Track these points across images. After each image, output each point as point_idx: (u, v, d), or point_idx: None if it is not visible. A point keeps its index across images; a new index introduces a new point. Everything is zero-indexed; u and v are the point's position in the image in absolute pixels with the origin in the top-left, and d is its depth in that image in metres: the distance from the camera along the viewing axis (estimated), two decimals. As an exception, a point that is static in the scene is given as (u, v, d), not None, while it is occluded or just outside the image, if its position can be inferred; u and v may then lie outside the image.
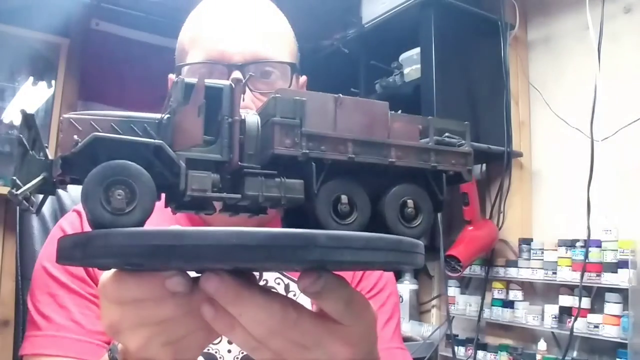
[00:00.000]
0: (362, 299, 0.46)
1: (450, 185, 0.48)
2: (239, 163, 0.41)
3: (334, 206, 0.43)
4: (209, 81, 0.42)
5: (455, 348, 1.91)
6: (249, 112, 0.44)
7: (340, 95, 0.44)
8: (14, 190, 0.37)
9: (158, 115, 0.40)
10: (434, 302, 2.21)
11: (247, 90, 0.75)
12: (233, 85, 0.42)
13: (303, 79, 0.90)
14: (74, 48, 2.73)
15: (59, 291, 0.73)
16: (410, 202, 0.46)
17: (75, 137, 0.37)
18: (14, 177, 0.38)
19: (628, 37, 1.72)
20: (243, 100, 0.45)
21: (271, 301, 0.41)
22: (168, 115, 0.40)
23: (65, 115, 0.39)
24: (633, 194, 1.66)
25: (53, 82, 2.69)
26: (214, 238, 0.34)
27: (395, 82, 2.01)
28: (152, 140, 0.38)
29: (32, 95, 2.69)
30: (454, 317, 1.97)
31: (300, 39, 0.88)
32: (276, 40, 0.80)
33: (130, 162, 0.37)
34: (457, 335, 1.99)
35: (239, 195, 0.40)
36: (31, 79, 2.68)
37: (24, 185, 0.37)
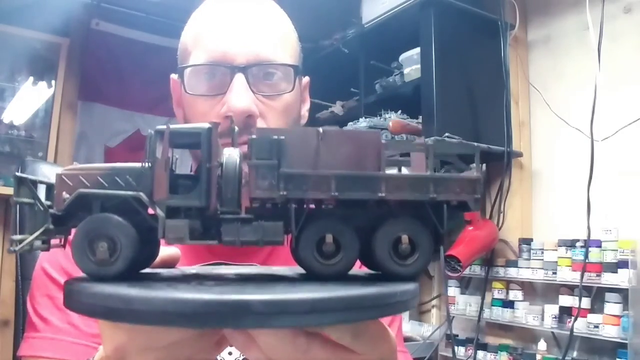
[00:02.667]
0: (375, 328, 0.44)
1: (454, 214, 0.44)
2: (218, 208, 0.41)
3: (318, 246, 0.42)
4: (186, 126, 0.42)
5: (455, 348, 1.91)
6: (231, 152, 0.42)
7: (323, 128, 0.42)
8: (12, 248, 0.40)
9: (139, 165, 0.41)
10: (434, 302, 2.21)
11: (250, 92, 0.75)
12: (211, 128, 0.41)
13: (306, 79, 0.90)
14: (74, 48, 2.74)
15: (57, 293, 0.73)
16: (404, 238, 0.42)
17: (65, 193, 0.41)
18: (12, 236, 0.40)
19: (628, 37, 1.72)
20: (234, 140, 0.45)
21: (282, 329, 0.40)
22: (148, 165, 0.41)
23: (58, 172, 0.42)
24: (633, 194, 1.66)
25: (53, 82, 2.69)
26: (155, 305, 0.35)
27: (395, 82, 2.01)
28: (130, 193, 0.40)
29: (32, 95, 2.69)
30: (454, 317, 1.97)
31: (300, 39, 0.88)
32: (279, 41, 0.79)
33: (111, 215, 0.40)
34: (457, 335, 1.99)
35: (215, 241, 0.41)
36: (31, 79, 2.68)
37: (26, 235, 0.41)
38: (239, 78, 0.74)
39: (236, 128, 0.56)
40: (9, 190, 2.25)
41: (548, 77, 1.96)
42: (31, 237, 0.40)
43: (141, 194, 0.40)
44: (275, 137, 0.41)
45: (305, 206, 0.42)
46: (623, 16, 1.74)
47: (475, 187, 0.44)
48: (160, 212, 0.40)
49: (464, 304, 1.97)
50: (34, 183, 0.41)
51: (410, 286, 0.41)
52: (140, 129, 2.94)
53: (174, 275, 0.47)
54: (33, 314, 0.74)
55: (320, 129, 0.41)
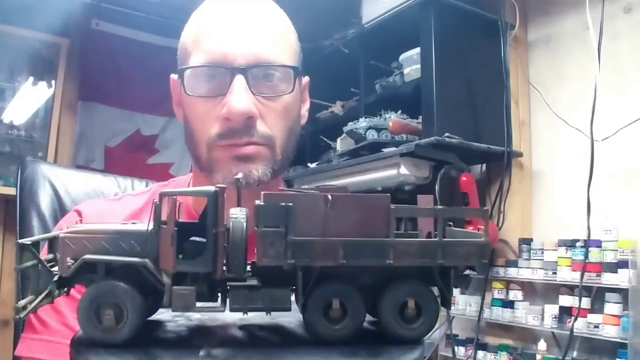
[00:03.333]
0: None
1: (460, 275, 0.45)
2: (225, 274, 0.41)
3: (325, 311, 0.42)
4: (193, 189, 0.43)
5: (455, 348, 1.91)
6: (238, 215, 0.42)
7: (332, 194, 0.41)
8: (17, 315, 0.40)
9: (144, 228, 0.41)
10: (434, 302, 2.21)
11: (250, 93, 0.75)
12: (217, 192, 0.41)
13: (305, 79, 0.90)
14: (74, 48, 2.74)
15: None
16: (411, 302, 0.43)
17: (69, 259, 0.41)
18: (16, 304, 0.40)
19: (628, 37, 1.72)
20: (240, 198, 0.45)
21: None
22: (153, 229, 0.41)
23: (61, 235, 0.41)
24: (633, 194, 1.66)
25: (53, 82, 2.70)
26: None
27: (395, 82, 2.01)
28: (137, 260, 0.40)
29: (32, 95, 2.69)
30: (454, 317, 1.97)
31: (300, 39, 0.88)
32: (279, 42, 0.79)
33: (117, 283, 0.40)
34: (457, 335, 1.99)
35: (223, 309, 0.41)
36: (31, 79, 2.68)
37: (31, 297, 0.41)
38: (239, 79, 0.74)
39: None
40: (9, 190, 2.25)
41: (548, 77, 1.96)
42: (36, 302, 0.40)
43: (147, 261, 0.40)
44: (284, 203, 0.40)
45: (312, 273, 0.42)
46: (623, 16, 1.74)
47: (483, 252, 0.43)
48: (166, 280, 0.40)
49: (464, 304, 1.97)
50: (36, 246, 0.41)
51: (414, 355, 0.41)
52: (140, 129, 2.94)
53: (179, 336, 0.46)
54: (31, 315, 0.74)
55: (330, 196, 0.41)
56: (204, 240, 0.40)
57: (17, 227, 1.02)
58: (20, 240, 0.41)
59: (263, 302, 0.41)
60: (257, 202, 0.41)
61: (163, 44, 2.80)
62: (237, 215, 0.41)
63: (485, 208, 0.45)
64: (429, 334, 0.41)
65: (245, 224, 0.41)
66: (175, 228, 0.40)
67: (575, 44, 1.86)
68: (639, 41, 1.70)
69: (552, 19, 1.97)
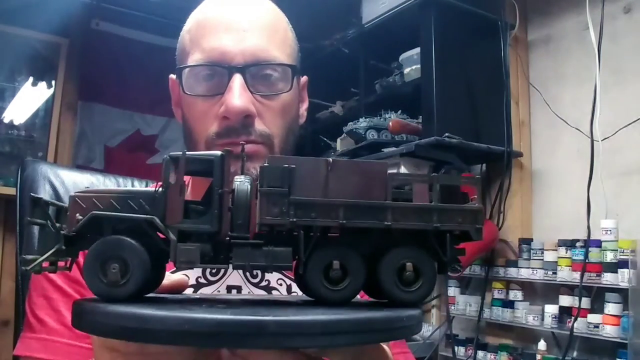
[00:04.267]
0: (374, 352, 0.45)
1: (457, 243, 0.46)
2: (229, 233, 0.42)
3: (325, 272, 0.43)
4: (199, 153, 0.44)
5: (455, 348, 1.91)
6: (243, 179, 0.44)
7: (333, 159, 0.43)
8: (23, 267, 0.41)
9: (152, 190, 0.43)
10: (434, 302, 2.21)
11: (248, 92, 0.75)
12: (223, 155, 0.43)
13: (304, 79, 0.90)
14: (74, 48, 2.74)
15: (53, 294, 0.74)
16: (409, 266, 0.44)
17: (78, 215, 0.42)
18: (23, 256, 0.41)
19: (628, 37, 1.72)
20: (244, 162, 0.47)
21: (284, 356, 0.41)
22: (161, 189, 0.42)
23: (71, 194, 0.42)
24: (633, 194, 1.66)
25: (53, 82, 2.70)
26: (171, 324, 0.36)
27: (395, 82, 2.01)
28: (144, 216, 0.41)
29: (32, 95, 2.69)
30: (454, 317, 1.97)
31: (300, 39, 0.88)
32: (277, 41, 0.80)
33: (124, 238, 0.41)
34: (457, 335, 1.99)
35: (226, 265, 0.42)
36: (31, 79, 2.68)
37: (37, 255, 0.42)
38: (237, 78, 0.74)
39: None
40: (9, 190, 2.25)
41: (548, 77, 1.96)
42: (42, 257, 0.41)
43: (155, 218, 0.41)
44: (286, 165, 0.42)
45: (313, 233, 0.43)
46: (623, 16, 1.74)
47: (477, 218, 0.45)
48: (172, 236, 0.41)
49: (464, 304, 1.97)
50: (47, 204, 0.42)
51: (415, 312, 0.42)
52: (140, 129, 2.94)
53: (182, 298, 0.48)
54: (30, 314, 0.75)
55: (330, 159, 0.43)
56: (207, 201, 0.43)
57: (17, 227, 1.02)
58: (33, 195, 0.42)
59: (265, 260, 0.42)
60: (261, 164, 0.43)
61: (163, 44, 2.79)
62: (242, 179, 0.44)
63: (478, 177, 0.46)
64: (428, 298, 0.43)
65: (249, 186, 0.43)
66: (183, 182, 0.42)
67: (575, 44, 1.87)
68: (639, 41, 1.70)
69: (552, 19, 1.97)
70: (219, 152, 0.43)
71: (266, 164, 0.42)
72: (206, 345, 0.37)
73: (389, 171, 0.44)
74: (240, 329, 0.36)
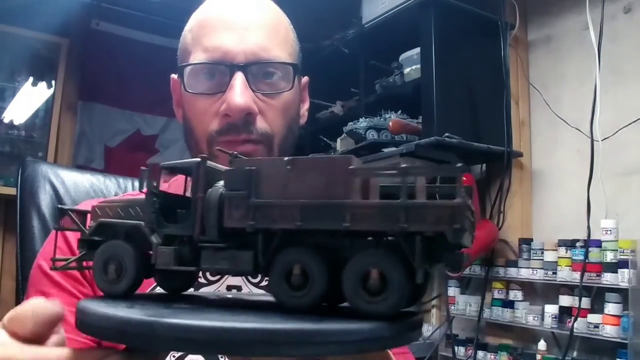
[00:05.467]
0: (374, 355, 0.44)
1: (433, 249, 0.39)
2: (200, 237, 0.43)
3: (287, 277, 0.41)
4: (180, 162, 0.46)
5: (455, 348, 1.91)
6: (218, 184, 0.44)
7: (293, 157, 0.41)
8: (54, 266, 0.49)
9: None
10: (434, 302, 2.21)
11: (250, 90, 0.75)
12: (199, 162, 0.44)
13: (305, 79, 0.90)
14: (74, 48, 2.74)
15: (51, 289, 0.74)
16: (374, 273, 0.38)
17: (93, 222, 0.48)
18: (54, 258, 0.49)
19: (628, 37, 1.72)
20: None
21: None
22: (155, 199, 0.45)
23: (94, 204, 0.48)
24: (633, 194, 1.66)
25: (53, 82, 2.70)
26: (164, 328, 0.36)
27: (395, 82, 2.01)
28: (133, 222, 0.45)
29: (32, 95, 2.70)
30: (454, 317, 1.97)
31: (300, 39, 0.88)
32: (278, 40, 0.80)
33: (120, 242, 0.45)
34: (457, 335, 1.99)
35: (194, 268, 0.43)
36: (31, 79, 2.68)
37: (68, 257, 0.49)
38: (239, 76, 0.74)
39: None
40: (9, 190, 2.25)
41: (548, 77, 1.96)
42: (73, 258, 0.48)
43: (142, 223, 0.45)
44: (248, 167, 0.41)
45: (274, 237, 0.41)
46: (623, 16, 1.74)
47: (455, 216, 0.37)
48: (153, 240, 0.44)
49: (464, 304, 1.97)
50: (72, 212, 0.49)
51: (375, 325, 0.37)
52: (140, 129, 2.94)
53: (169, 297, 0.50)
54: None
55: (290, 158, 0.41)
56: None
57: (17, 227, 1.02)
58: (60, 206, 0.49)
59: (228, 264, 0.42)
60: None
61: (163, 44, 2.80)
62: (218, 184, 0.44)
63: (458, 165, 0.37)
64: (396, 310, 0.38)
65: (221, 191, 0.43)
66: (154, 193, 0.45)
67: (575, 44, 1.87)
68: (639, 41, 1.70)
69: (552, 19, 1.97)
70: (197, 159, 0.44)
71: (230, 168, 0.42)
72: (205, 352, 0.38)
73: (354, 165, 0.39)
74: (256, 338, 0.36)
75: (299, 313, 0.40)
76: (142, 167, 0.45)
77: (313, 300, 0.40)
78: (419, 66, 1.83)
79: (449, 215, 0.37)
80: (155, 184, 0.45)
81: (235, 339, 0.35)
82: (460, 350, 1.93)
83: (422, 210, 0.37)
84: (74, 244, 0.78)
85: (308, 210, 0.39)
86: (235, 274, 0.44)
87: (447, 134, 1.68)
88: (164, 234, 0.44)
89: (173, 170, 0.46)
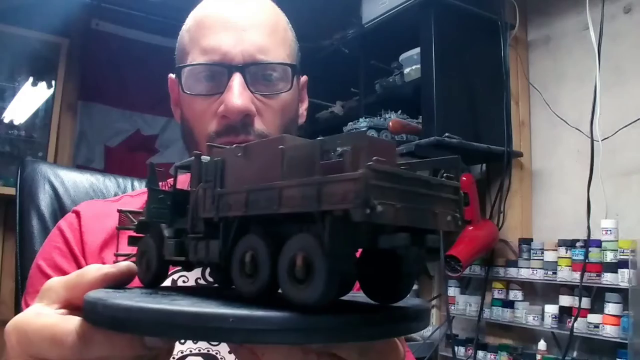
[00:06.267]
0: (384, 347, 0.43)
1: (364, 231, 0.36)
2: (191, 229, 0.45)
3: (242, 265, 0.40)
4: (181, 162, 0.48)
5: (455, 348, 1.91)
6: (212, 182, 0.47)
7: (246, 144, 0.40)
8: (116, 257, 0.53)
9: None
10: (434, 302, 2.21)
11: (248, 91, 0.75)
12: (194, 159, 0.46)
13: (304, 79, 0.90)
14: (74, 48, 2.74)
15: None
16: (298, 259, 0.36)
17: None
18: (117, 253, 0.55)
19: (628, 37, 1.72)
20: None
21: (291, 351, 0.40)
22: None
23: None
24: (633, 194, 1.66)
25: (53, 82, 2.70)
26: (155, 313, 0.36)
27: (395, 82, 2.01)
28: (149, 220, 0.49)
29: (32, 95, 2.70)
30: (454, 317, 1.97)
31: (300, 39, 0.88)
32: (277, 41, 0.80)
33: (147, 237, 0.50)
34: (457, 335, 1.99)
35: (182, 258, 0.46)
36: (31, 79, 2.68)
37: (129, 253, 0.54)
38: (237, 77, 0.74)
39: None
40: (9, 190, 2.25)
41: (548, 77, 1.96)
42: (131, 255, 0.52)
43: (154, 220, 0.48)
44: (216, 158, 0.43)
45: (232, 225, 0.42)
46: (623, 16, 1.74)
47: (359, 191, 0.32)
48: (165, 234, 0.47)
49: (464, 304, 1.97)
50: (130, 213, 0.55)
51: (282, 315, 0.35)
52: (140, 129, 2.94)
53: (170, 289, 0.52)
54: (25, 308, 0.74)
55: (243, 145, 0.41)
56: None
57: (17, 227, 1.02)
58: (119, 208, 0.55)
59: (204, 253, 0.43)
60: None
61: (163, 44, 2.79)
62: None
63: (393, 141, 0.32)
64: (326, 299, 0.35)
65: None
66: (165, 191, 0.48)
67: (575, 44, 1.87)
68: (639, 41, 1.70)
69: (552, 19, 1.97)
70: (192, 158, 0.46)
71: (204, 161, 0.44)
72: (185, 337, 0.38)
73: (284, 145, 0.37)
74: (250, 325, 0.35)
75: (247, 300, 0.39)
76: (158, 168, 0.50)
77: (260, 288, 0.39)
78: (419, 66, 1.83)
79: (354, 191, 0.32)
80: (172, 182, 0.48)
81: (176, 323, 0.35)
82: (460, 350, 1.93)
83: (332, 187, 0.34)
84: (74, 244, 0.78)
85: (251, 196, 0.39)
86: (208, 264, 0.45)
87: (447, 134, 1.68)
88: (175, 228, 0.47)
89: (185, 169, 0.48)
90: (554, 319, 1.67)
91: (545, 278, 1.72)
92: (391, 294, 0.42)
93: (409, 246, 0.34)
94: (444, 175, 0.38)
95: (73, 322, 0.40)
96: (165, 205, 0.48)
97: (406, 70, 1.94)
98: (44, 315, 0.42)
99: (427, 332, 2.08)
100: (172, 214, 0.47)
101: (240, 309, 0.36)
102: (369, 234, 0.36)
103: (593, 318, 1.56)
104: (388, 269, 0.41)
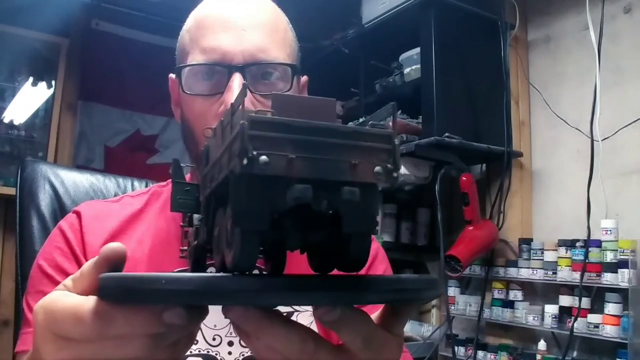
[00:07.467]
0: (386, 336, 0.44)
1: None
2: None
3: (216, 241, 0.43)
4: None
5: (455, 348, 1.91)
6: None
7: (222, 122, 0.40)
8: (182, 255, 0.56)
9: None
10: (434, 302, 2.21)
11: (248, 92, 0.75)
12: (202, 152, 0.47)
13: (304, 79, 0.90)
14: (74, 48, 2.74)
15: (49, 288, 0.73)
16: (229, 224, 0.37)
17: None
18: (181, 247, 0.56)
19: (628, 37, 1.72)
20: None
21: (291, 332, 0.40)
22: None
23: None
24: (633, 194, 1.66)
25: (53, 82, 2.69)
26: (168, 281, 0.35)
27: (395, 82, 2.01)
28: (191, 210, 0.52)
29: (32, 95, 2.69)
30: (454, 317, 1.97)
31: (300, 39, 0.88)
32: (277, 41, 0.80)
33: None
34: (457, 335, 1.99)
35: (195, 242, 0.49)
36: (31, 79, 2.68)
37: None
38: (237, 77, 0.74)
39: None
40: (9, 190, 2.25)
41: (548, 77, 1.96)
42: (190, 248, 0.53)
43: (181, 211, 0.51)
44: (206, 145, 0.45)
45: (212, 203, 0.44)
46: (623, 16, 1.74)
47: (238, 143, 0.32)
48: (195, 222, 0.50)
49: (464, 304, 1.97)
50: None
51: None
52: (140, 129, 2.94)
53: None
54: (27, 310, 0.74)
55: (211, 127, 0.44)
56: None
57: (17, 227, 1.02)
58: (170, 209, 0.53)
59: (204, 237, 0.46)
60: None
61: (163, 44, 2.79)
62: None
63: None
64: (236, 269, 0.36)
65: None
66: (182, 182, 0.51)
67: (575, 44, 1.87)
68: (639, 41, 1.70)
69: (552, 19, 1.97)
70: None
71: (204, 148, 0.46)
72: (194, 301, 0.36)
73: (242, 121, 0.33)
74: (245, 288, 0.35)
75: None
76: (175, 158, 0.53)
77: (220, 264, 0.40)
78: (419, 66, 1.83)
79: (238, 144, 0.32)
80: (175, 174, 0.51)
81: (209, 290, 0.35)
82: (460, 350, 1.93)
83: (232, 146, 0.33)
84: (75, 244, 0.78)
85: (209, 173, 0.42)
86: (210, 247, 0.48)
87: (447, 134, 1.68)
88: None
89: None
90: (554, 319, 1.67)
91: (545, 278, 1.72)
92: (345, 263, 0.39)
93: (319, 199, 0.32)
94: (370, 124, 0.35)
95: (93, 301, 0.40)
96: (192, 197, 0.49)
97: (406, 70, 1.94)
98: (70, 296, 0.42)
99: (427, 332, 2.09)
100: (197, 204, 0.49)
101: (240, 277, 0.36)
102: (282, 192, 0.33)
103: (593, 318, 1.56)
104: (332, 235, 0.37)
